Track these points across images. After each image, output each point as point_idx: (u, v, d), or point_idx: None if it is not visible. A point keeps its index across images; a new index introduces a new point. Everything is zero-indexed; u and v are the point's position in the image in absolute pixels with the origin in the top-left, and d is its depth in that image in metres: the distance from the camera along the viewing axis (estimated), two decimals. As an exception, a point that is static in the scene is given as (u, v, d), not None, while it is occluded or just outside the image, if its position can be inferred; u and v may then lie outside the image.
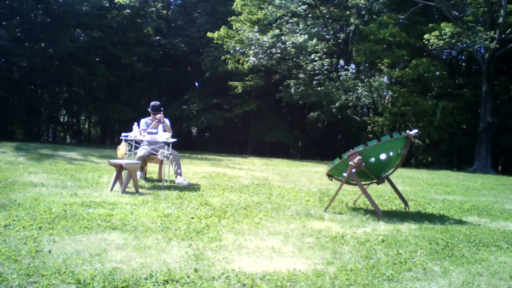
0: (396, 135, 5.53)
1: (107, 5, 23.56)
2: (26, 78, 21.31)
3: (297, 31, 20.09)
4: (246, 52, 20.22)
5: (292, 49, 19.56)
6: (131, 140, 7.09)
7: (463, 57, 23.51)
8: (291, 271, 3.19)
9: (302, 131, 24.74)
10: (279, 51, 19.64)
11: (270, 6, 20.66)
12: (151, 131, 7.10)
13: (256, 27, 20.88)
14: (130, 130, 7.21)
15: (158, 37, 24.70)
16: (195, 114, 22.93)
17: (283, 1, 20.28)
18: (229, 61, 20.95)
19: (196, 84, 27.56)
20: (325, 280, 3.05)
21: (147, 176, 7.78)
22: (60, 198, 5.37)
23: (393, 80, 22.04)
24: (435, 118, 18.25)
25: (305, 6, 20.78)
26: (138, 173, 7.05)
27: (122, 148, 7.08)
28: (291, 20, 20.76)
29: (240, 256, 3.51)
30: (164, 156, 6.97)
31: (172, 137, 7.17)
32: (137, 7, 23.34)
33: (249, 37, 19.78)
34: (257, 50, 19.72)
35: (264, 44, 19.61)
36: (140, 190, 6.24)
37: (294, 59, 20.12)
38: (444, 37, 16.71)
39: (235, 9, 21.62)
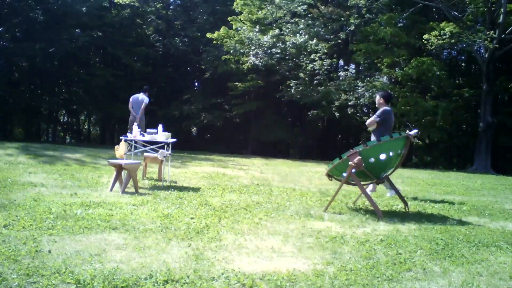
0: (396, 135, 5.53)
1: (107, 5, 23.55)
2: (26, 78, 21.33)
3: (297, 31, 20.08)
4: (245, 52, 20.21)
5: (292, 49, 19.56)
6: (131, 140, 7.09)
7: (463, 57, 23.50)
8: (291, 271, 3.19)
9: (302, 131, 24.72)
10: (279, 51, 19.65)
11: (271, 6, 20.66)
12: (150, 131, 7.09)
13: (256, 27, 20.87)
14: (130, 131, 7.20)
15: (157, 37, 24.70)
16: (195, 114, 22.92)
17: (284, 1, 20.27)
18: (229, 61, 20.94)
19: (196, 84, 27.58)
20: (324, 280, 3.05)
21: (147, 176, 7.78)
22: (60, 198, 5.38)
23: (393, 80, 22.03)
24: (435, 118, 18.23)
25: (305, 6, 20.77)
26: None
27: (122, 148, 7.08)
28: (291, 20, 20.75)
29: (240, 256, 3.51)
30: (164, 156, 6.97)
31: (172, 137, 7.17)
32: (137, 7, 23.34)
33: (249, 37, 19.79)
34: (257, 51, 19.73)
35: (264, 44, 19.61)
36: (140, 190, 6.24)
37: (294, 59, 20.11)
38: (444, 37, 16.70)
39: (235, 9, 21.61)
